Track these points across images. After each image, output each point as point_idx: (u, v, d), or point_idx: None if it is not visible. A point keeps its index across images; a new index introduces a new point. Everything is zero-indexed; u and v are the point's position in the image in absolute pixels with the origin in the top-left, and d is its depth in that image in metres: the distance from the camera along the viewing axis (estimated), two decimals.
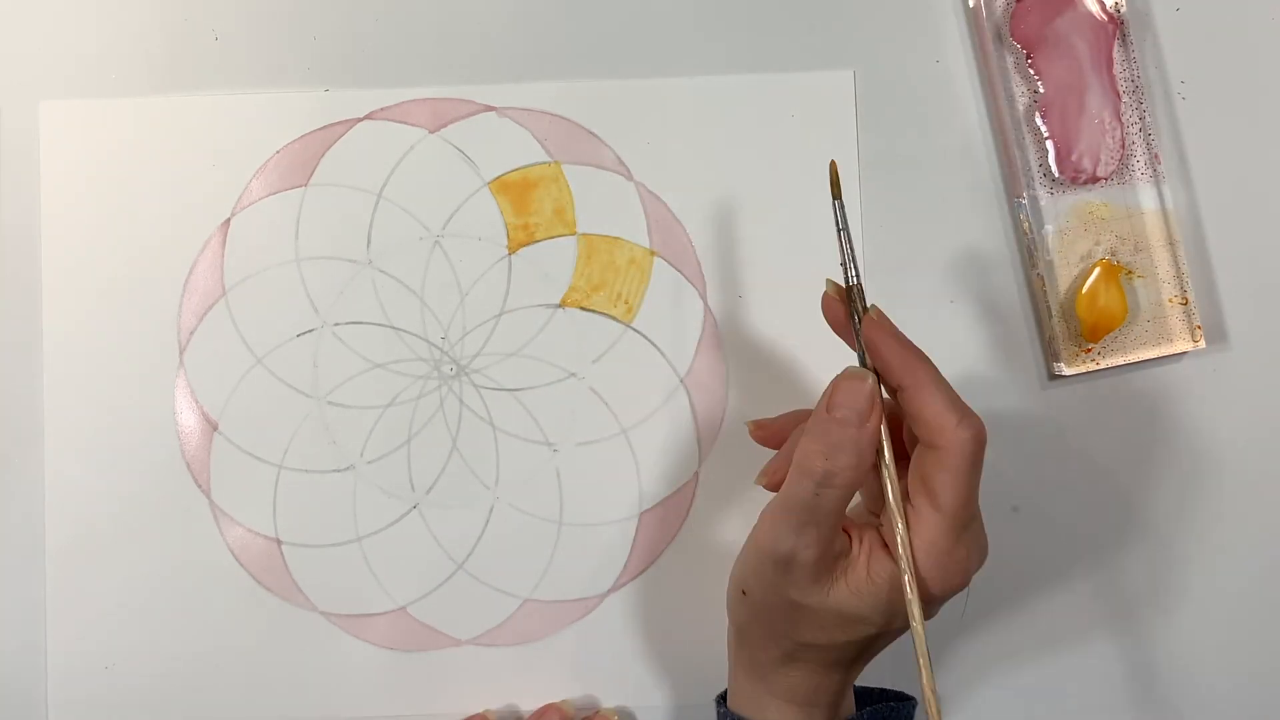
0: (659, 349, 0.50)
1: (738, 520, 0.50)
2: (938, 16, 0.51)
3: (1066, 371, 0.49)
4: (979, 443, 0.38)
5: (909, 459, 0.40)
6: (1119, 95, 0.50)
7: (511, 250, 0.50)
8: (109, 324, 0.50)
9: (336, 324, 0.50)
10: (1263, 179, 0.51)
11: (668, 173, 0.50)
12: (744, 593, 0.40)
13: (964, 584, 0.39)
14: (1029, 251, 0.50)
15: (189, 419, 0.50)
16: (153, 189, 0.50)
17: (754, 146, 0.50)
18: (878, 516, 0.40)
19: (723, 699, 0.43)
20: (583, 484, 0.50)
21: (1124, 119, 0.50)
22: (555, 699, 0.50)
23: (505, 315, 0.50)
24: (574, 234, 0.50)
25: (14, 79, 0.50)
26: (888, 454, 0.38)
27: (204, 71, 0.50)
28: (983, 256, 0.50)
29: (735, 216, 0.50)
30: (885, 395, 0.39)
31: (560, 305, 0.50)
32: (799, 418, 0.42)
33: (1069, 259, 0.50)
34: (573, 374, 0.50)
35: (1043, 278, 0.49)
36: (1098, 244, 0.50)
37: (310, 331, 0.50)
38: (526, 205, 0.50)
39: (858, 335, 0.39)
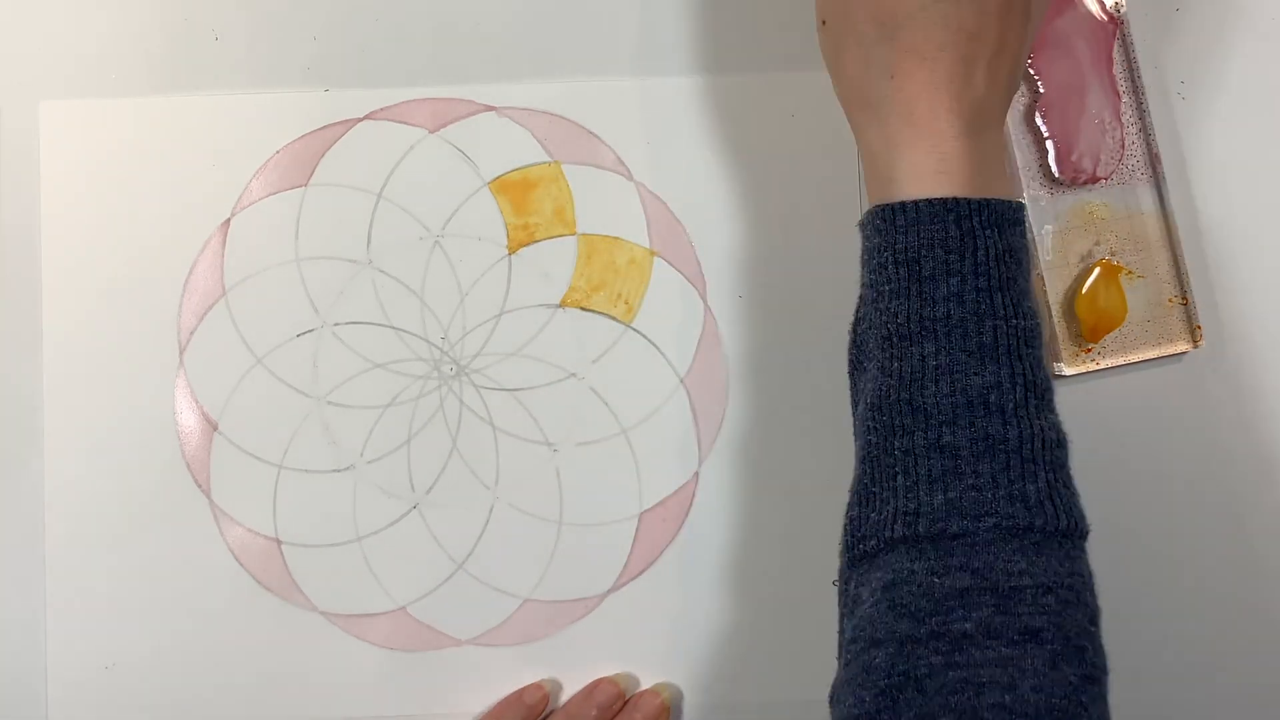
0: (659, 349, 0.50)
1: (738, 520, 0.50)
2: None
3: (1066, 371, 0.49)
4: None
5: None
6: (1119, 95, 0.50)
7: (511, 250, 0.50)
8: (109, 324, 0.50)
9: (336, 324, 0.50)
10: (1263, 179, 0.51)
11: (668, 173, 0.50)
12: (824, 23, 0.39)
13: None
14: (1029, 251, 0.50)
15: (189, 419, 0.50)
16: (153, 189, 0.50)
17: (754, 146, 0.50)
18: None
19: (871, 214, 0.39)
20: (583, 484, 0.50)
21: (1124, 119, 0.50)
22: (556, 699, 0.50)
23: (505, 315, 0.50)
24: (574, 234, 0.50)
25: (14, 79, 0.50)
26: None
27: (204, 71, 0.50)
28: None
29: (735, 216, 0.50)
30: None
31: (560, 305, 0.50)
32: None
33: (1069, 259, 0.50)
34: (573, 374, 0.50)
35: (1043, 278, 0.49)
36: (1098, 244, 0.50)
37: (310, 331, 0.50)
38: (526, 205, 0.50)
39: None
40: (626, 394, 0.50)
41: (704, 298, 0.50)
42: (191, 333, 0.50)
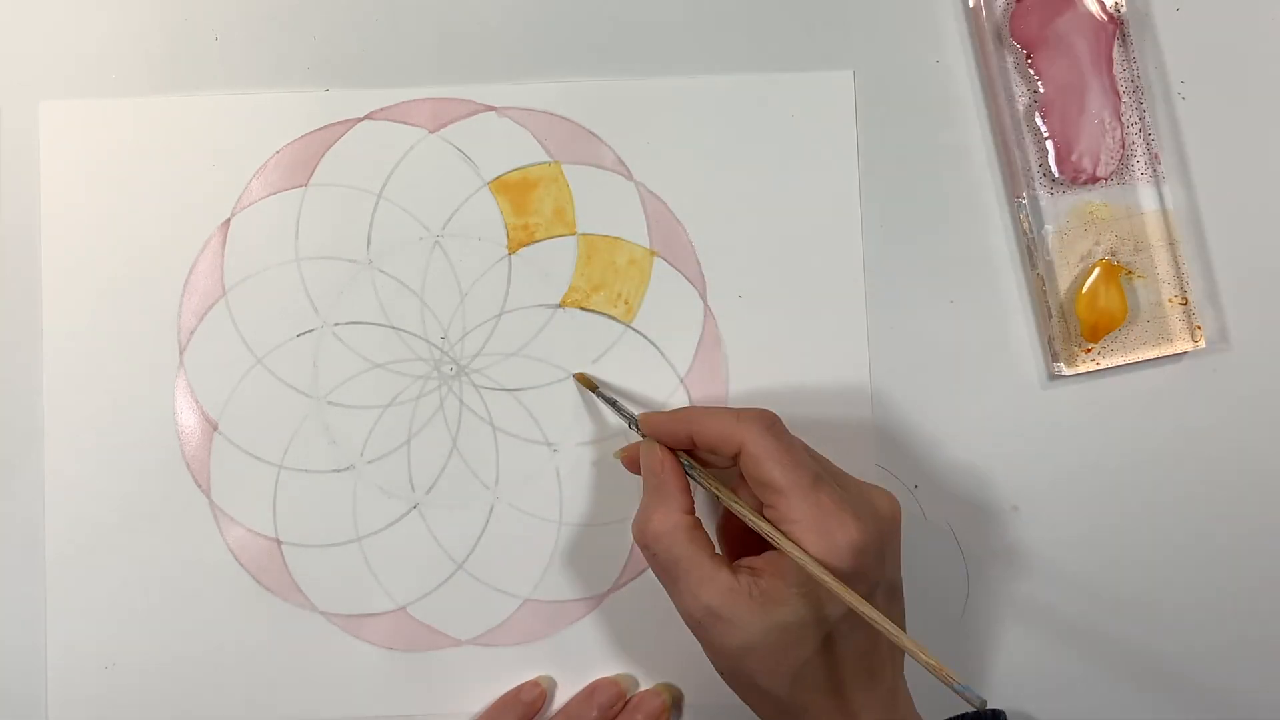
0: (659, 349, 0.50)
1: None
2: (938, 16, 0.51)
3: (1066, 371, 0.49)
4: (764, 421, 0.41)
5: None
6: (1119, 95, 0.50)
7: (511, 250, 0.50)
8: (109, 324, 0.50)
9: (336, 324, 0.50)
10: (1263, 179, 0.51)
11: (668, 173, 0.50)
12: (723, 675, 0.42)
13: (858, 534, 0.39)
14: (1029, 251, 0.50)
15: (189, 419, 0.50)
16: (153, 189, 0.50)
17: (754, 146, 0.50)
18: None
19: None
20: (583, 484, 0.50)
21: (1124, 119, 0.50)
22: (557, 699, 0.50)
23: (505, 315, 0.50)
24: (574, 234, 0.50)
25: (14, 79, 0.50)
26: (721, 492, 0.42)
27: (204, 71, 0.50)
28: (982, 256, 0.50)
29: (735, 216, 0.50)
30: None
31: (560, 305, 0.50)
32: (676, 419, 0.44)
33: (1069, 259, 0.50)
34: (573, 374, 0.50)
35: (1043, 278, 0.49)
36: (1098, 244, 0.50)
37: (310, 331, 0.50)
38: (526, 205, 0.50)
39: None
40: (626, 394, 0.50)
41: (704, 298, 0.50)
42: (191, 333, 0.50)
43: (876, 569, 0.40)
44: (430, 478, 0.50)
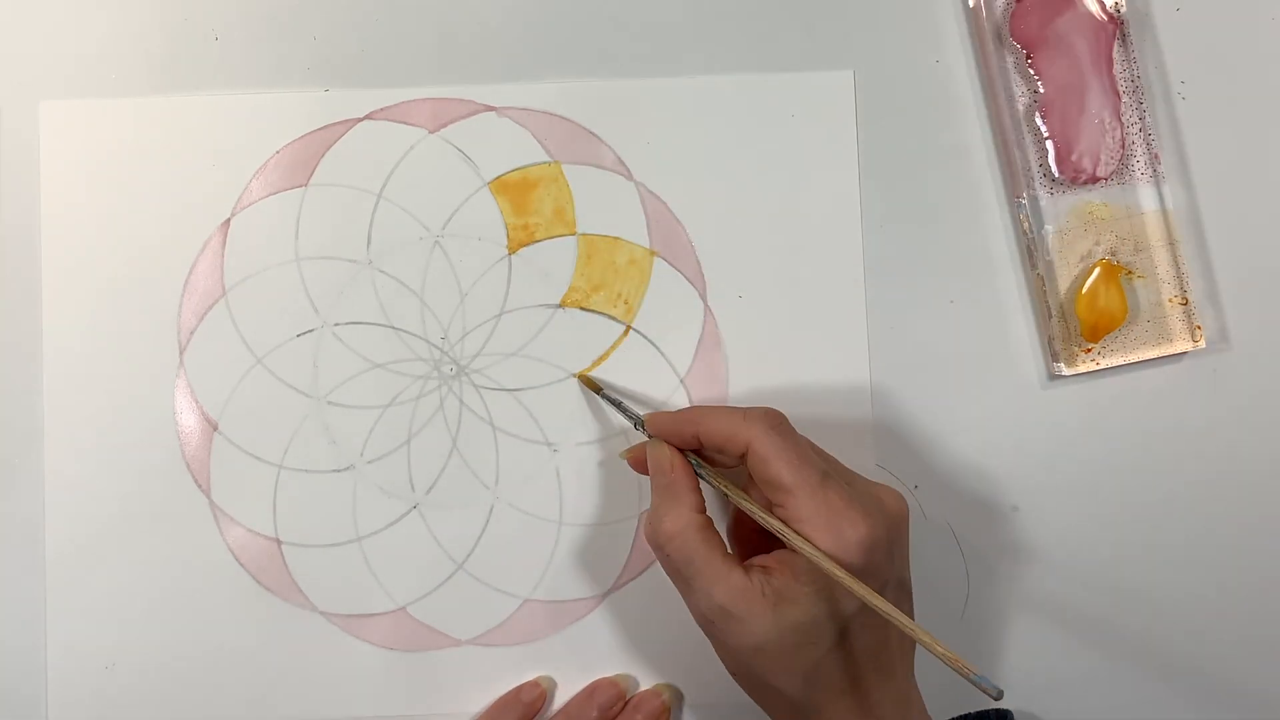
0: (659, 349, 0.50)
1: None
2: (938, 16, 0.51)
3: (1066, 371, 0.49)
4: (771, 420, 0.41)
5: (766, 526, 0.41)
6: (1119, 95, 0.50)
7: (511, 250, 0.50)
8: (109, 324, 0.50)
9: (336, 324, 0.50)
10: (1263, 179, 0.51)
11: (668, 173, 0.50)
12: (735, 676, 0.43)
13: (868, 531, 0.39)
14: (1029, 251, 0.50)
15: (189, 419, 0.50)
16: (153, 189, 0.50)
17: (754, 146, 0.50)
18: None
19: None
20: (583, 484, 0.50)
21: (1124, 119, 0.50)
22: (557, 699, 0.50)
23: (505, 315, 0.50)
24: (574, 234, 0.50)
25: (14, 79, 0.50)
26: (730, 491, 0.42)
27: (204, 71, 0.50)
28: (982, 256, 0.50)
29: (735, 216, 0.50)
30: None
31: (560, 305, 0.50)
32: (682, 419, 0.44)
33: (1069, 259, 0.50)
34: (573, 374, 0.50)
35: (1043, 278, 0.50)
36: (1098, 244, 0.50)
37: (310, 331, 0.50)
38: (526, 205, 0.50)
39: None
40: (626, 394, 0.50)
41: (704, 298, 0.50)
42: (191, 333, 0.50)
43: (886, 566, 0.40)
44: (430, 478, 0.50)
